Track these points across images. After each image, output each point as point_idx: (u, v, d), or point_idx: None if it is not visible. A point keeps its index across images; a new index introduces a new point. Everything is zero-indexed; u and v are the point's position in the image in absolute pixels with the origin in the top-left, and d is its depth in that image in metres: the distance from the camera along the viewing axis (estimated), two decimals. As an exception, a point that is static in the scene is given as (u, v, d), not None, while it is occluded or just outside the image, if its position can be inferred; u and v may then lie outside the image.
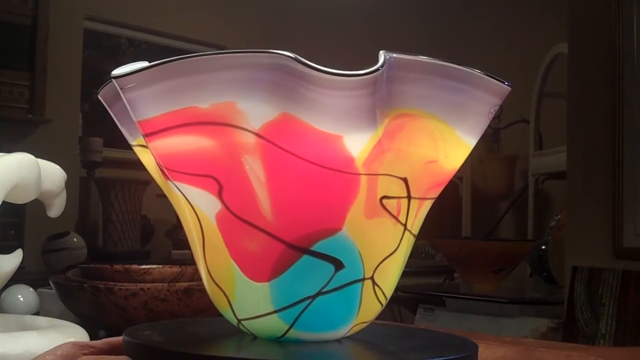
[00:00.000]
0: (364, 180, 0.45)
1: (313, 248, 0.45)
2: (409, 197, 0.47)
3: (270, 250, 0.45)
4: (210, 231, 0.47)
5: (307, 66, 0.40)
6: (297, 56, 0.41)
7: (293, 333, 0.48)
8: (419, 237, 0.51)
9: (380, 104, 0.43)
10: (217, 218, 0.46)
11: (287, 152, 0.43)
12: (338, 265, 0.46)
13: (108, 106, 0.51)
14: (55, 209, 0.84)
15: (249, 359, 0.44)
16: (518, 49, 3.53)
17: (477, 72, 0.46)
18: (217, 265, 0.48)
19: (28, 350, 0.63)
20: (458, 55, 3.40)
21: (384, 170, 0.45)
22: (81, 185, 2.99)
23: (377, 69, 0.42)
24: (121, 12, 3.27)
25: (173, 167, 0.46)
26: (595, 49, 2.00)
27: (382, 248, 0.48)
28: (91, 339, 0.66)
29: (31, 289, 1.10)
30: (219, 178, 0.45)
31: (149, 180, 2.36)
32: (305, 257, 0.45)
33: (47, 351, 0.50)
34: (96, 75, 3.07)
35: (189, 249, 0.51)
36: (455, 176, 0.55)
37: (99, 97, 0.51)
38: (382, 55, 0.42)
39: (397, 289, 0.53)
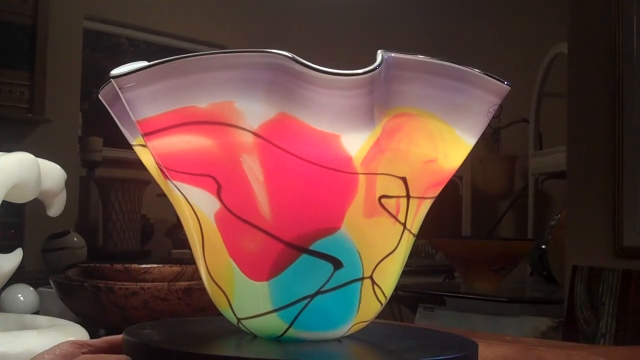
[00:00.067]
0: (362, 179, 0.45)
1: (312, 247, 0.45)
2: (408, 197, 0.47)
3: (269, 250, 0.45)
4: (210, 230, 0.47)
5: (304, 65, 0.41)
6: (294, 56, 0.41)
7: (292, 332, 0.48)
8: (419, 236, 0.51)
9: (379, 103, 0.43)
10: (216, 217, 0.46)
11: (285, 152, 0.43)
12: (337, 264, 0.46)
13: (108, 106, 0.51)
14: (55, 209, 0.84)
15: (248, 358, 0.44)
16: (518, 49, 3.53)
17: (476, 71, 0.46)
18: (216, 264, 0.48)
19: (28, 349, 0.64)
20: (458, 54, 3.40)
21: (383, 170, 0.45)
22: (81, 185, 2.99)
23: (374, 68, 0.42)
24: (121, 12, 3.28)
25: (172, 167, 0.46)
26: (595, 48, 2.00)
27: (382, 247, 0.48)
28: (91, 338, 0.66)
29: (31, 288, 1.11)
30: (217, 177, 0.45)
31: (149, 180, 2.37)
32: (304, 256, 0.45)
33: (46, 350, 0.50)
34: (96, 75, 3.07)
35: (189, 248, 0.51)
36: (455, 175, 0.55)
37: (99, 97, 0.51)
38: (379, 55, 0.42)
39: (397, 288, 0.53)
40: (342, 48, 3.25)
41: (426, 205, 0.50)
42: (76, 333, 0.72)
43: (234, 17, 3.53)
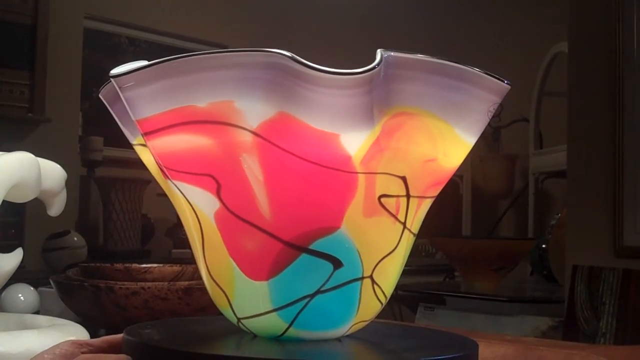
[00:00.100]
0: (361, 178, 0.45)
1: (311, 247, 0.45)
2: (408, 196, 0.47)
3: (268, 249, 0.45)
4: (210, 230, 0.47)
5: (303, 65, 0.41)
6: (293, 55, 0.41)
7: (292, 332, 0.48)
8: (419, 235, 0.51)
9: (378, 102, 0.43)
10: (216, 217, 0.46)
11: (285, 151, 0.43)
12: (337, 264, 0.46)
13: (109, 105, 0.51)
14: (56, 208, 0.84)
15: (248, 358, 0.44)
16: (518, 48, 3.53)
17: (475, 70, 0.46)
18: (216, 264, 0.48)
19: (28, 349, 0.64)
20: (458, 54, 3.39)
21: (382, 169, 0.45)
22: (81, 184, 2.99)
23: (374, 67, 0.42)
24: (121, 11, 3.28)
25: (172, 166, 0.46)
26: (596, 48, 2.00)
27: (381, 247, 0.48)
28: (91, 337, 0.66)
29: (31, 288, 1.11)
30: (217, 177, 0.45)
31: (150, 179, 2.37)
32: (303, 255, 0.45)
33: (46, 350, 0.50)
34: (96, 75, 3.07)
35: (190, 247, 0.51)
36: (455, 175, 0.55)
37: (100, 96, 0.51)
38: (379, 54, 0.42)
39: (397, 288, 0.53)
40: (342, 48, 3.25)
41: (426, 204, 0.50)
42: (76, 333, 0.72)
43: (235, 16, 3.53)
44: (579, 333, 1.81)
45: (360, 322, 0.50)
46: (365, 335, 0.52)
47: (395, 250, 0.48)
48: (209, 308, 0.83)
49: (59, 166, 0.83)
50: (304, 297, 0.46)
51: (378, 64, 0.42)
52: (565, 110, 2.10)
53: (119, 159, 2.97)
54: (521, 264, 2.67)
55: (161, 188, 0.51)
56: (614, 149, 1.88)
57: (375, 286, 0.48)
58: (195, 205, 0.47)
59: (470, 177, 3.61)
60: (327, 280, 0.46)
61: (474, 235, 3.48)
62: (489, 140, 3.68)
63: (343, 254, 0.46)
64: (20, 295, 1.08)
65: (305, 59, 0.41)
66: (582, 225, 1.99)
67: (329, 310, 0.47)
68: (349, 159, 0.44)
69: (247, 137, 0.43)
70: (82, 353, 0.50)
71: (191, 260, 0.55)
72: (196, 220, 0.47)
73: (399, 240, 0.48)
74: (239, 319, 0.49)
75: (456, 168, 0.50)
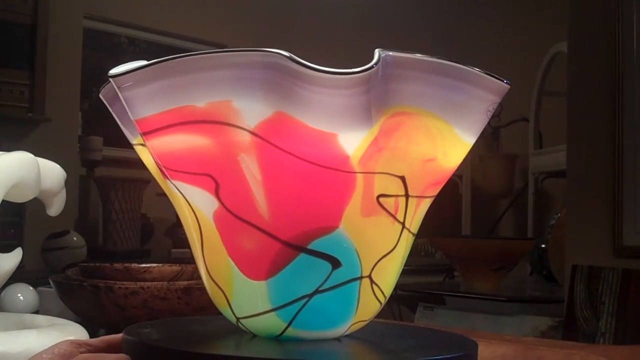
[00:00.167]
0: (360, 178, 0.45)
1: (310, 246, 0.45)
2: (406, 196, 0.47)
3: (267, 249, 0.45)
4: (208, 229, 0.47)
5: (301, 64, 0.40)
6: (291, 55, 0.41)
7: (291, 331, 0.48)
8: (418, 235, 0.51)
9: (376, 102, 0.43)
10: (215, 216, 0.46)
11: (283, 151, 0.43)
12: (335, 263, 0.46)
13: (109, 105, 0.51)
14: (55, 208, 0.84)
15: (248, 357, 0.44)
16: (518, 48, 3.53)
17: (475, 70, 0.46)
18: (215, 263, 0.48)
19: (28, 349, 0.64)
20: (458, 54, 3.39)
21: (381, 169, 0.45)
22: (81, 184, 2.99)
23: (371, 67, 0.42)
24: (121, 11, 3.27)
25: (170, 166, 0.46)
26: (595, 48, 2.00)
27: (380, 246, 0.48)
28: (91, 337, 0.66)
29: (31, 288, 1.11)
30: (215, 176, 0.45)
31: (149, 179, 2.36)
32: (302, 255, 0.45)
33: (45, 350, 0.50)
34: (96, 75, 3.07)
35: (189, 247, 0.51)
36: (454, 174, 0.55)
37: (100, 96, 0.51)
38: (377, 53, 0.42)
39: (396, 288, 0.53)
40: (342, 48, 3.25)
41: (425, 204, 0.50)
42: (76, 332, 0.72)
43: (235, 16, 3.53)
44: (578, 333, 1.81)
45: (359, 321, 0.50)
46: (365, 335, 0.52)
47: (394, 250, 0.48)
48: (208, 308, 0.83)
49: (58, 166, 0.83)
50: (303, 297, 0.46)
51: (376, 64, 0.42)
52: (565, 110, 2.10)
53: (118, 158, 2.97)
54: (521, 264, 2.67)
55: (161, 188, 0.51)
56: (614, 149, 1.88)
57: (374, 286, 0.48)
58: (194, 205, 0.47)
59: (469, 176, 3.61)
60: (326, 280, 0.46)
61: (473, 235, 3.48)
62: (489, 140, 3.68)
63: (341, 254, 0.46)
64: (19, 295, 1.08)
65: (305, 59, 0.41)
66: (582, 225, 1.99)
67: (327, 310, 0.47)
68: (347, 159, 0.44)
69: (245, 137, 0.43)
70: (81, 353, 0.50)
71: (190, 260, 0.55)
72: (195, 220, 0.47)
73: (398, 240, 0.48)
74: (238, 319, 0.49)
75: (455, 168, 0.50)
